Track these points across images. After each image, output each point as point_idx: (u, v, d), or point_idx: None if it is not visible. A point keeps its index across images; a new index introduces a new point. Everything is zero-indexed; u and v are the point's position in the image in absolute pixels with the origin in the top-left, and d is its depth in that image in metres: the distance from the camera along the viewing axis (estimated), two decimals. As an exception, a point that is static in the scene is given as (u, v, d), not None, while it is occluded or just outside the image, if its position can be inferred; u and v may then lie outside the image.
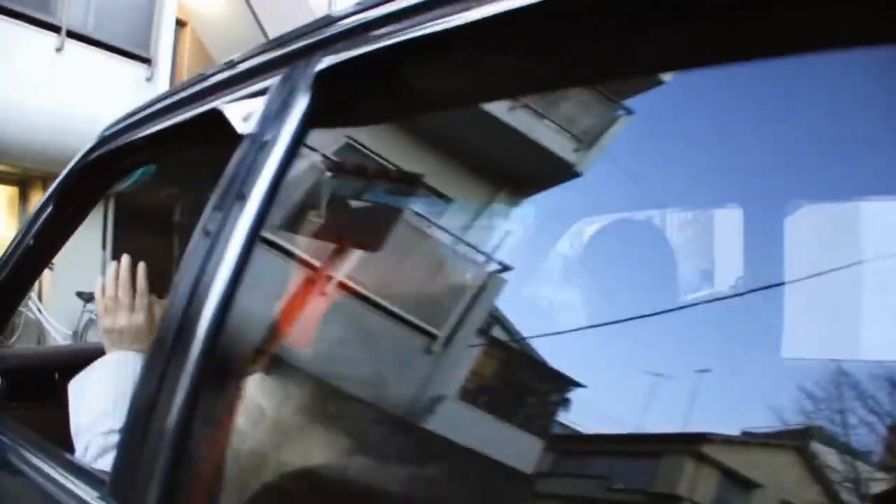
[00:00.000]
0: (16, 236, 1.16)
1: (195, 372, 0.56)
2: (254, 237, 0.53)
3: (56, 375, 1.30)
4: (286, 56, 0.60)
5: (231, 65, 0.69)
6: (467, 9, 0.45)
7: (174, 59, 8.81)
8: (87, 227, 8.48)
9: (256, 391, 0.76)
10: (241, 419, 0.70)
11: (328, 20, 0.57)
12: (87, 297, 7.21)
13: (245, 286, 0.59)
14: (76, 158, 1.11)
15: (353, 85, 0.55)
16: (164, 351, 0.61)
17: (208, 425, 0.60)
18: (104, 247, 8.31)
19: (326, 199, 0.64)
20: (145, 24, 8.14)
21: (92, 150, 1.05)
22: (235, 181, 0.58)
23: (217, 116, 0.62)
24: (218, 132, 0.64)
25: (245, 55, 0.69)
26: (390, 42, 0.49)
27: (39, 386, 1.27)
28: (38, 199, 8.27)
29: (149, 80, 8.00)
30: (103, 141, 1.02)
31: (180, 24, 9.11)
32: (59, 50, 7.36)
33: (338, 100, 0.56)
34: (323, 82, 0.53)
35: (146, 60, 8.02)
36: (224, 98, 0.67)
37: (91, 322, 7.28)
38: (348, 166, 0.61)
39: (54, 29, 7.29)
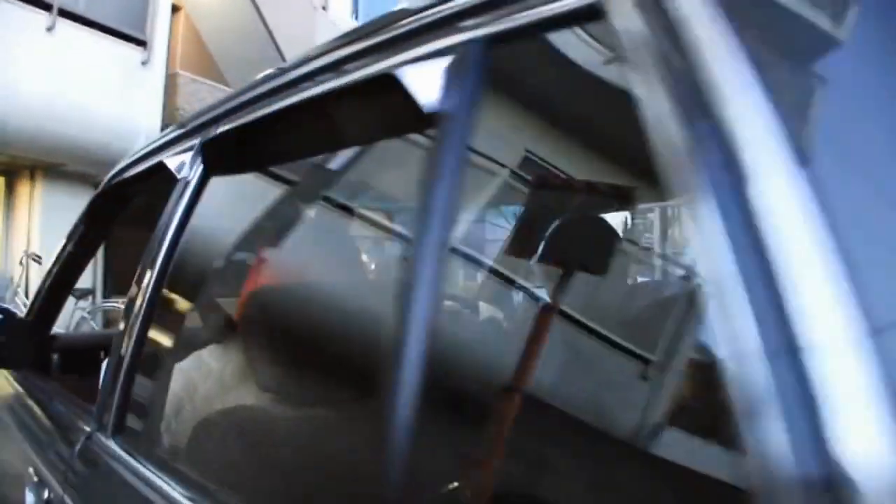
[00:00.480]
0: (60, 249, 1.74)
1: (142, 328, 1.04)
2: (174, 249, 1.01)
3: (102, 354, 1.82)
4: (197, 127, 1.08)
5: (180, 125, 1.18)
6: (277, 101, 0.90)
7: (168, 44, 9.16)
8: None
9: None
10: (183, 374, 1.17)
11: (212, 107, 1.05)
12: (78, 294, 7.66)
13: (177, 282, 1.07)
14: (100, 187, 1.62)
15: (226, 148, 1.02)
16: (127, 314, 1.10)
17: (152, 366, 1.08)
18: None
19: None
20: (140, 4, 8.55)
21: (111, 179, 1.57)
22: (172, 211, 1.06)
23: (159, 169, 1.11)
24: (170, 177, 1.13)
25: (186, 120, 1.17)
26: (241, 122, 0.97)
27: (88, 362, 1.82)
28: (25, 190, 8.68)
29: (144, 63, 8.46)
30: (118, 172, 1.53)
31: (174, 9, 9.53)
32: (49, 29, 7.71)
33: (219, 159, 1.03)
34: (210, 147, 1.02)
35: (141, 43, 8.43)
36: (169, 151, 1.15)
37: (83, 320, 7.88)
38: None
39: (45, 7, 7.66)
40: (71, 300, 7.73)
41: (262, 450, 0.98)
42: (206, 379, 1.18)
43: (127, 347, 1.06)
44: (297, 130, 0.95)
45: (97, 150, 8.07)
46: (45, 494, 1.15)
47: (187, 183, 1.04)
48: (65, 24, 7.87)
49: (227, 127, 0.99)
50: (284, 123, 0.92)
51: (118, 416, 1.05)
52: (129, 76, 8.42)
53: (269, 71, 0.95)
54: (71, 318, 7.76)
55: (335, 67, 0.79)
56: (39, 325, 1.82)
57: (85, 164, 8.29)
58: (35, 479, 1.23)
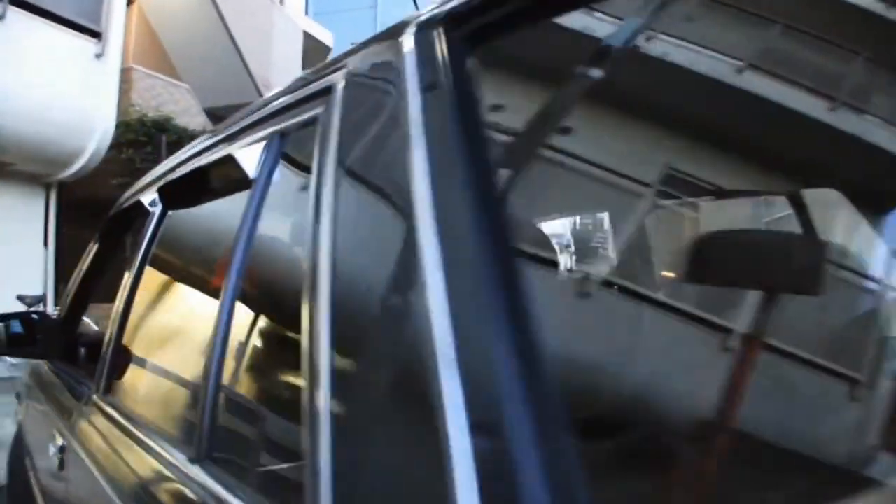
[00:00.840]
0: (80, 264, 2.45)
1: (123, 320, 1.70)
2: (144, 263, 1.68)
3: None
4: (160, 175, 1.77)
5: (152, 173, 1.87)
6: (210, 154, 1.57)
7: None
8: (26, 221, 9.33)
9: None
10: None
11: (170, 160, 1.74)
12: (29, 302, 8.06)
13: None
14: (110, 213, 2.32)
15: (174, 192, 1.70)
16: (116, 309, 1.77)
17: (131, 346, 1.75)
18: (46, 244, 9.44)
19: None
20: (94, -5, 9.05)
21: (120, 205, 2.29)
22: (142, 235, 1.73)
23: (138, 206, 1.80)
24: (145, 211, 1.81)
25: (156, 170, 1.85)
26: (180, 174, 1.64)
27: None
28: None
29: (99, 56, 9.01)
30: (121, 203, 2.27)
31: (128, 1, 10.08)
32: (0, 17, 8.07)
33: (171, 199, 1.71)
34: (164, 190, 1.70)
35: (96, 34, 8.98)
36: (146, 191, 1.83)
37: None
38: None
39: (-6, -7, 8.03)
40: (21, 308, 8.26)
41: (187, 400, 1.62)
42: (162, 354, 1.83)
43: (113, 333, 1.73)
44: (204, 183, 1.62)
45: (49, 147, 8.65)
46: (60, 442, 1.82)
47: (153, 215, 1.72)
48: (16, 13, 8.28)
49: (173, 176, 1.67)
50: (196, 178, 1.60)
51: (108, 382, 1.71)
52: (83, 69, 8.95)
53: (194, 142, 1.65)
54: (22, 326, 8.23)
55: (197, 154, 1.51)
56: (68, 324, 2.53)
57: (36, 163, 8.86)
58: (56, 434, 1.90)
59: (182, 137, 10.37)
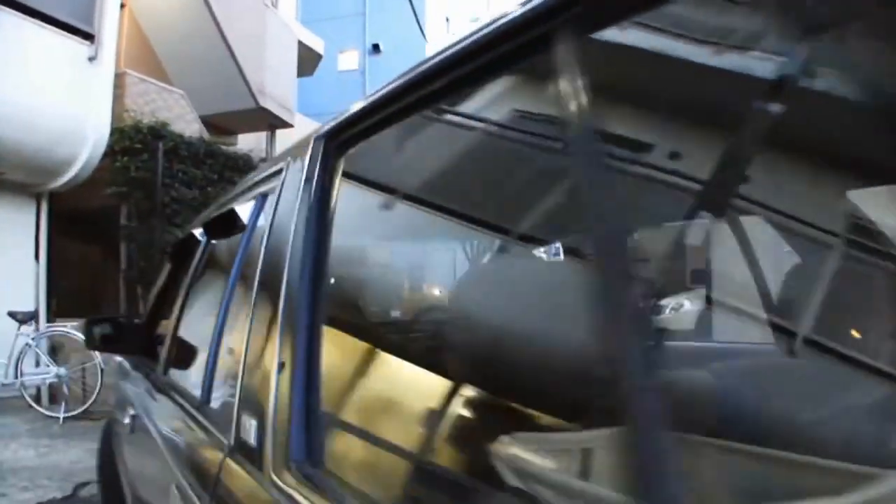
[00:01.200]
0: (158, 282, 3.53)
1: (176, 324, 2.69)
2: (195, 281, 2.66)
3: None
4: (207, 214, 2.75)
5: (206, 213, 2.85)
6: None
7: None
8: (16, 233, 10.20)
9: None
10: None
11: (213, 206, 2.72)
12: (21, 318, 8.86)
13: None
14: (180, 238, 3.44)
15: (214, 227, 2.66)
16: (171, 317, 2.75)
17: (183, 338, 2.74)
18: (37, 258, 10.05)
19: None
20: (86, -5, 9.72)
21: (184, 234, 3.32)
22: (193, 259, 2.70)
23: (192, 237, 2.80)
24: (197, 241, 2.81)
25: (207, 211, 2.84)
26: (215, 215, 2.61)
27: None
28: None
29: (92, 59, 9.62)
30: (187, 230, 3.28)
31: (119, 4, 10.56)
32: (-14, 17, 8.66)
33: (212, 232, 2.69)
34: (208, 225, 2.71)
35: (89, 36, 9.58)
36: (196, 227, 2.82)
37: (27, 347, 8.89)
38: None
39: (-21, -7, 8.60)
40: (12, 324, 8.73)
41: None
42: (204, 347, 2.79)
43: (171, 329, 2.70)
44: (224, 225, 2.52)
45: (40, 155, 9.24)
46: (131, 412, 2.81)
47: (201, 243, 2.70)
48: (4, 13, 8.82)
49: (212, 216, 2.64)
50: (221, 221, 2.53)
51: (167, 363, 2.70)
52: (76, 73, 9.56)
53: (226, 192, 2.61)
54: (13, 346, 8.89)
55: (226, 202, 2.50)
56: (149, 326, 3.56)
57: (27, 172, 9.44)
58: (130, 406, 2.93)
59: (178, 144, 11.21)
